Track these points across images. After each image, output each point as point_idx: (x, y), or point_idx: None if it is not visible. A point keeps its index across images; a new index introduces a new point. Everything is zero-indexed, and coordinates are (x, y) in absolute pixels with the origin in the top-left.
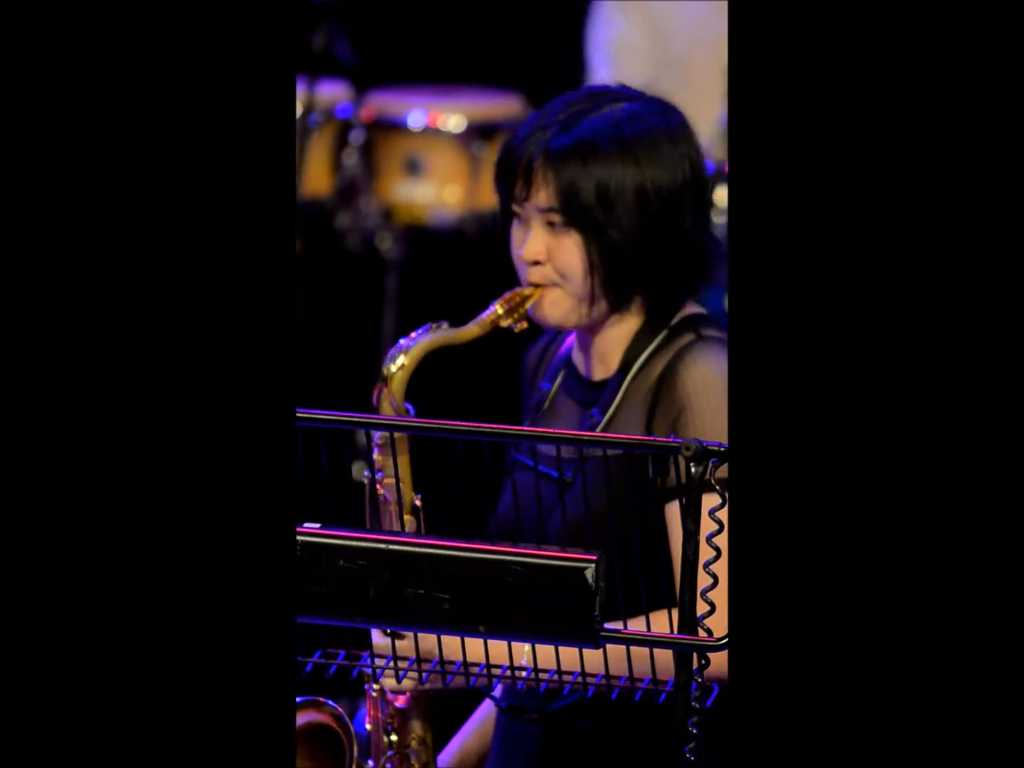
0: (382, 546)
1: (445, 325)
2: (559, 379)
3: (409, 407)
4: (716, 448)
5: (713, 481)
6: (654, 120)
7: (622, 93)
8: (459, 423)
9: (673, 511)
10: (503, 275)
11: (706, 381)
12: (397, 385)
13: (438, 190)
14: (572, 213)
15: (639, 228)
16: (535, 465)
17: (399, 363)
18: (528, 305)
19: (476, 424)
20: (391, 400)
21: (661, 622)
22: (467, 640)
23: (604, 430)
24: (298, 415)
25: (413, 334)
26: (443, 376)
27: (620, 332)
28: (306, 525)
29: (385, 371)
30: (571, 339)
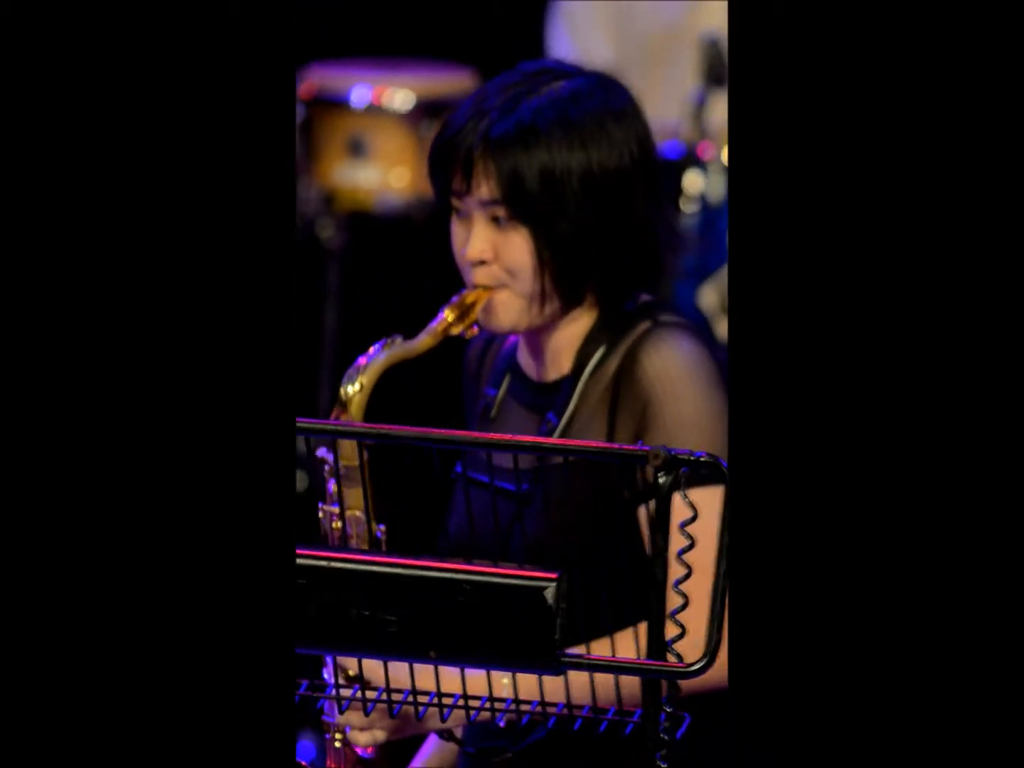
0: (322, 563)
1: (399, 340)
2: (505, 383)
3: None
4: (686, 456)
5: (683, 493)
6: (598, 99)
7: (562, 71)
8: (405, 428)
9: (643, 519)
10: (454, 266)
11: (668, 369)
12: (356, 408)
13: (383, 173)
14: (517, 205)
15: (588, 216)
16: (490, 479)
17: (357, 385)
18: (478, 310)
19: (426, 429)
20: (349, 421)
21: (627, 644)
22: (419, 669)
23: (563, 435)
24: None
25: (371, 350)
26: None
27: (572, 330)
28: None
29: (343, 395)
30: (514, 339)
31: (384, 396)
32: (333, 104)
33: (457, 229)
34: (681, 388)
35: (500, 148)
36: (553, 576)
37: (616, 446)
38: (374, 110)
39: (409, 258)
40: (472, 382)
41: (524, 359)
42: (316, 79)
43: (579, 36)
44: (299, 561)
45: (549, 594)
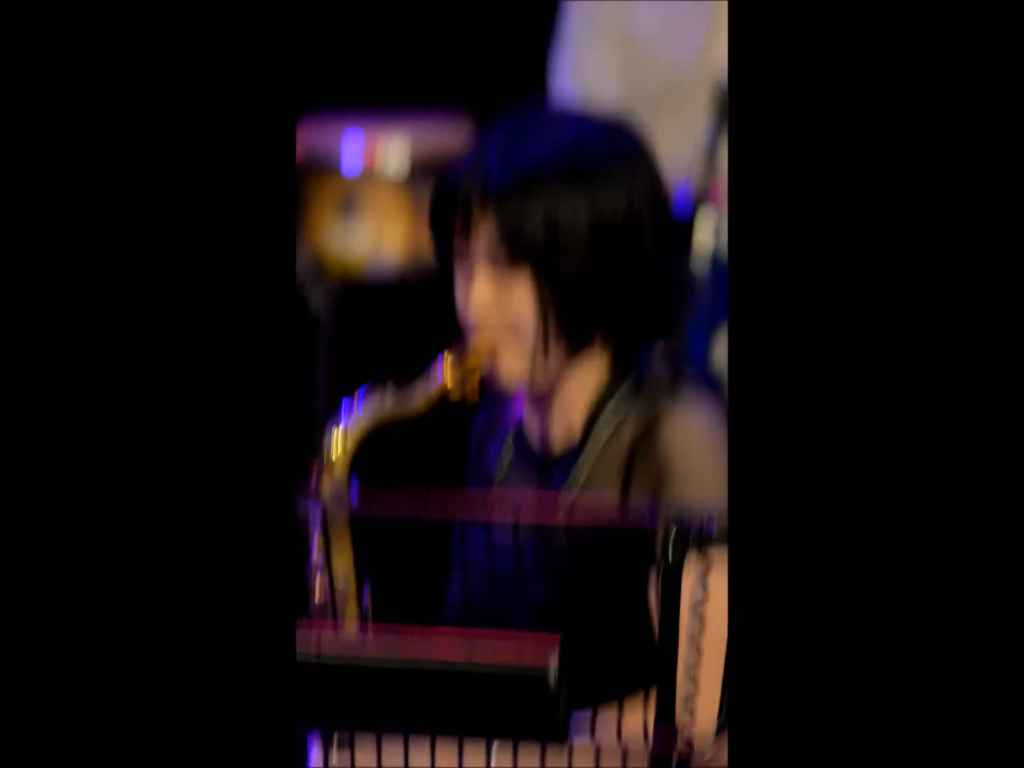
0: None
1: (390, 390)
2: (509, 453)
3: (353, 495)
4: (700, 521)
5: (696, 554)
6: (605, 143)
7: (569, 113)
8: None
9: (653, 582)
10: (452, 335)
11: (688, 440)
12: (339, 468)
13: (376, 236)
14: (519, 254)
15: (595, 266)
16: (488, 555)
17: (340, 446)
18: (480, 372)
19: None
20: (332, 482)
21: (636, 709)
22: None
23: (572, 507)
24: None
25: (355, 406)
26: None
27: (580, 389)
28: None
29: (324, 455)
30: (518, 404)
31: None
32: (323, 163)
33: (459, 283)
34: (700, 460)
35: (500, 194)
36: (555, 640)
37: (627, 512)
38: (367, 170)
39: (403, 327)
40: (475, 456)
41: (529, 425)
42: (305, 136)
43: (585, 77)
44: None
45: (552, 659)
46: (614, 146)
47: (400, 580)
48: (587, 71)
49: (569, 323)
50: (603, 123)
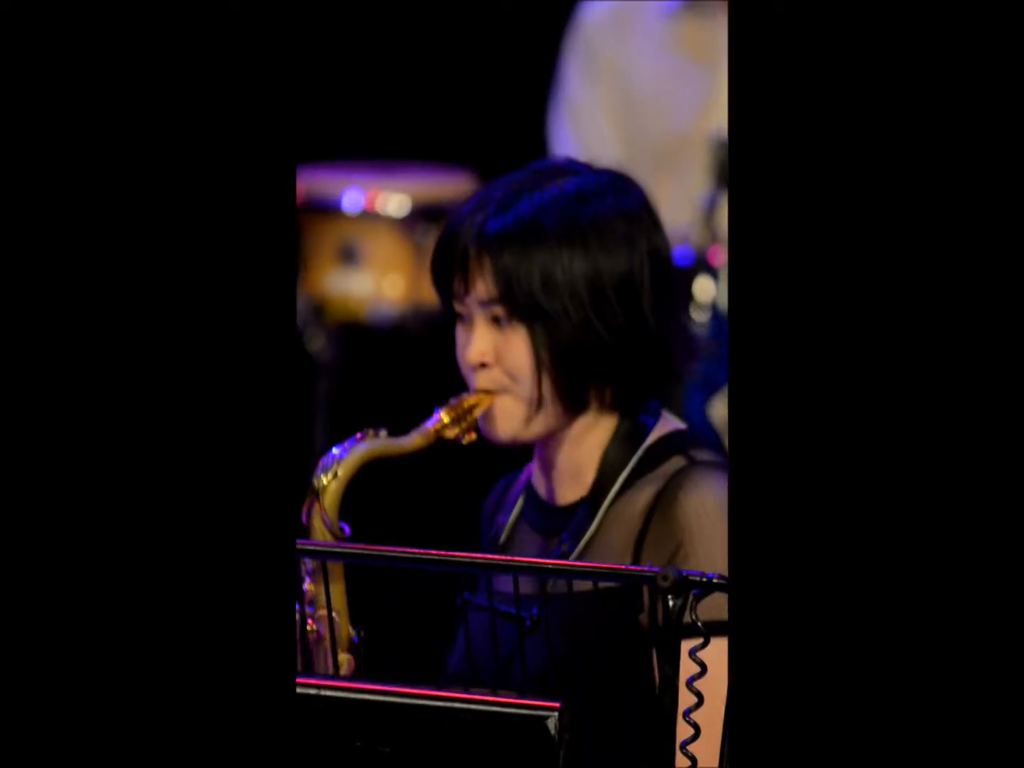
0: (312, 691)
1: (383, 433)
2: (518, 507)
3: (345, 527)
4: (697, 578)
5: (695, 617)
6: (607, 198)
7: (571, 168)
8: (401, 549)
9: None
10: (453, 380)
11: (707, 511)
12: (330, 500)
13: (377, 281)
14: (514, 304)
15: (592, 321)
16: (490, 604)
17: (332, 475)
18: (477, 414)
19: (422, 551)
20: (323, 517)
21: None
22: None
23: (579, 559)
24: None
25: (346, 443)
26: (381, 492)
27: (588, 445)
28: None
29: (316, 484)
30: (530, 467)
31: (374, 500)
32: (324, 209)
33: (460, 333)
34: (717, 530)
35: (496, 244)
36: (555, 705)
37: (624, 567)
38: (367, 215)
39: (403, 372)
40: (488, 520)
41: (538, 480)
42: (306, 183)
43: (584, 134)
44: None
45: (552, 724)
46: (615, 201)
47: (400, 635)
48: (586, 131)
49: (564, 379)
50: (607, 178)
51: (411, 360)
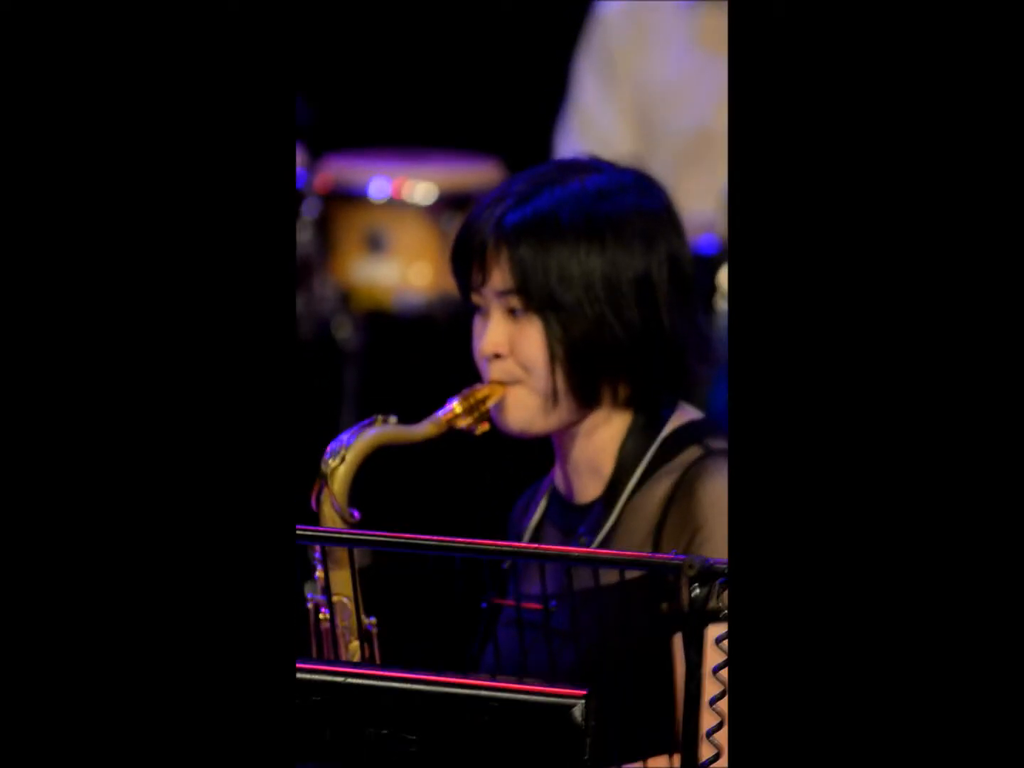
0: (339, 679)
1: (393, 420)
2: (542, 507)
3: (354, 512)
4: (723, 567)
5: (720, 604)
6: (628, 196)
7: (594, 165)
8: (428, 536)
9: (679, 642)
10: (478, 368)
11: (724, 499)
12: (339, 485)
13: (404, 269)
14: (530, 295)
15: (607, 316)
16: (517, 603)
17: (340, 460)
18: (490, 405)
19: (447, 539)
20: (332, 502)
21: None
22: None
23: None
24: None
25: (355, 428)
26: (389, 483)
27: (604, 439)
28: None
29: (324, 468)
30: (554, 471)
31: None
32: (351, 197)
33: (477, 324)
34: None
35: (514, 235)
36: (581, 693)
37: (648, 555)
38: (394, 203)
39: (430, 360)
40: (515, 529)
41: (560, 480)
42: (333, 171)
43: (594, 135)
44: (315, 677)
45: (578, 712)
46: (636, 200)
47: (424, 625)
48: (596, 131)
49: (577, 372)
50: (631, 177)
51: (438, 348)
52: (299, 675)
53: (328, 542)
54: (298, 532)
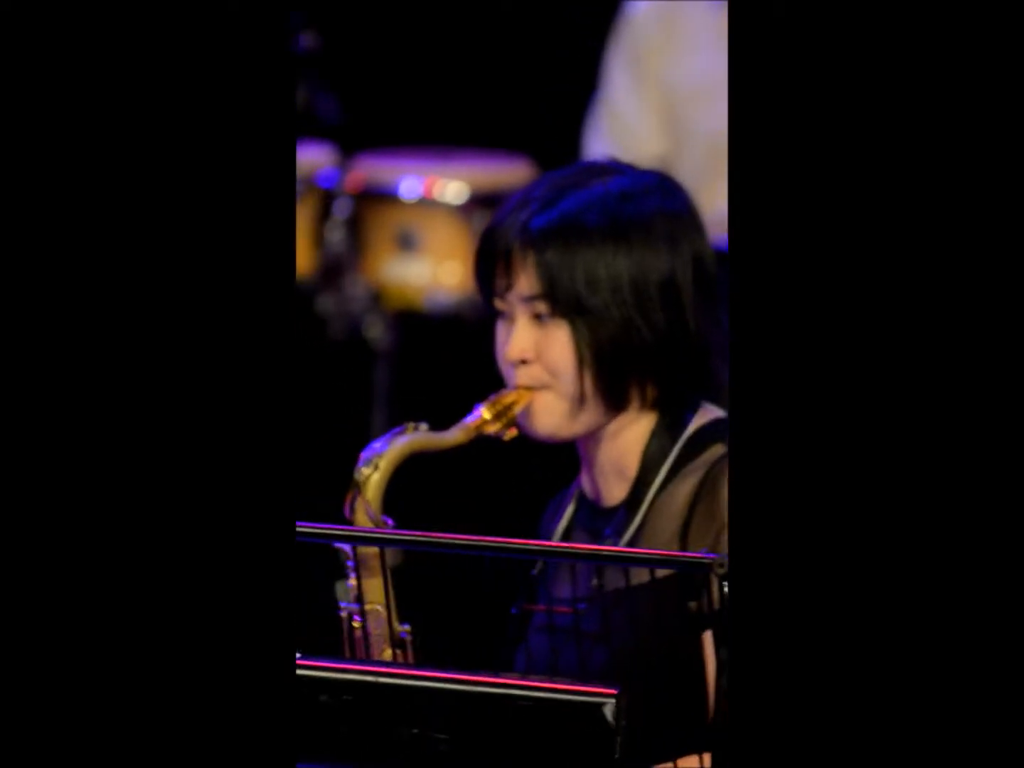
0: (370, 679)
1: (424, 427)
2: (570, 511)
3: (388, 520)
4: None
5: None
6: (652, 199)
7: (616, 168)
8: (456, 536)
9: (709, 641)
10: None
11: None
12: (372, 492)
13: (435, 269)
14: (557, 300)
15: (635, 319)
16: (549, 605)
17: (373, 468)
18: (517, 411)
19: (477, 537)
20: (367, 509)
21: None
22: None
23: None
24: (305, 529)
25: (387, 436)
26: (420, 488)
27: (629, 441)
28: None
29: (357, 477)
30: (581, 475)
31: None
32: (382, 196)
33: (501, 329)
34: None
35: (540, 240)
36: (612, 692)
37: (679, 554)
38: (425, 203)
39: (461, 359)
40: (545, 534)
41: (586, 483)
42: (364, 170)
43: (624, 135)
44: (346, 676)
45: (608, 711)
46: (660, 202)
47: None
48: (627, 131)
49: (605, 376)
50: (654, 180)
51: (468, 347)
52: (332, 675)
53: (358, 541)
54: (329, 532)
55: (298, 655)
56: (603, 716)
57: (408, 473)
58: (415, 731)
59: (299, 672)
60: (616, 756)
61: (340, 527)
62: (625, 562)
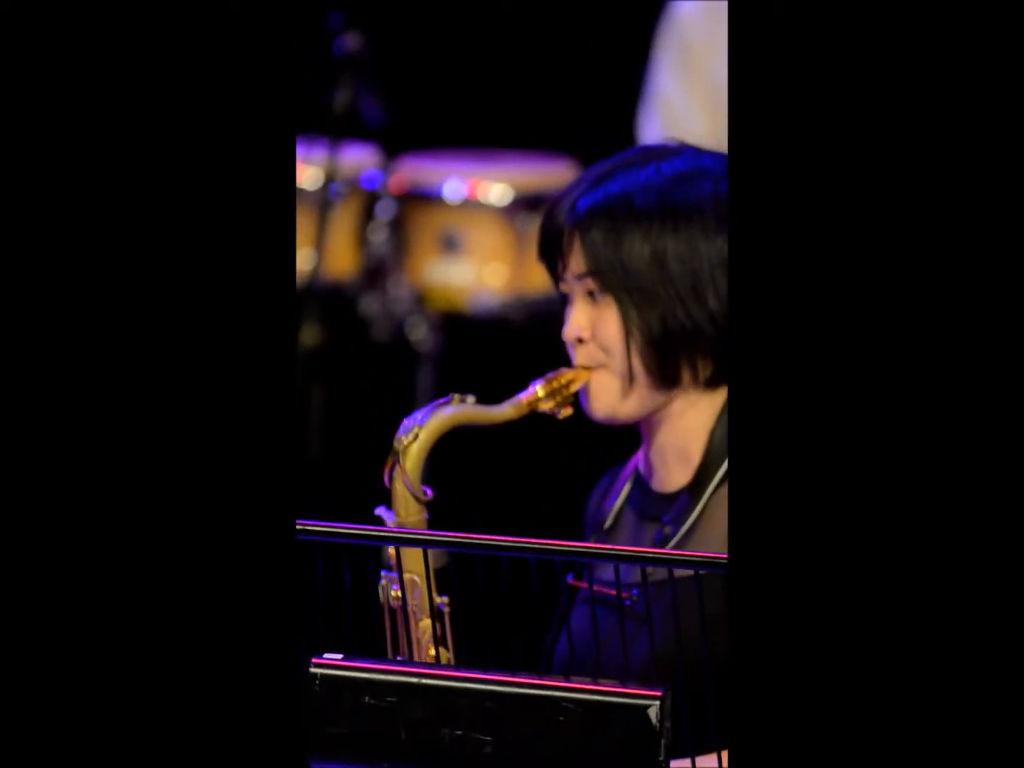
0: (414, 680)
1: (471, 399)
2: (625, 491)
3: (427, 490)
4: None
5: None
6: (707, 182)
7: (675, 149)
8: (500, 537)
9: None
10: (554, 369)
11: None
12: (411, 462)
13: (478, 270)
14: (604, 277)
15: (683, 299)
16: (591, 590)
17: (412, 437)
18: (574, 389)
19: (521, 540)
20: (404, 479)
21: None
22: None
23: (679, 546)
24: (305, 528)
25: (430, 406)
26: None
27: (693, 425)
28: (325, 656)
29: (397, 445)
30: (637, 456)
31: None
32: (426, 198)
33: (567, 312)
34: None
35: (586, 219)
36: (657, 694)
37: (723, 556)
38: (469, 204)
39: (505, 361)
40: (593, 513)
41: (645, 466)
42: (408, 172)
43: (675, 128)
44: (389, 677)
45: (653, 713)
46: (714, 187)
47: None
48: (677, 124)
49: (653, 353)
50: (709, 161)
51: (512, 349)
52: (374, 676)
53: (402, 543)
54: (371, 533)
55: (341, 656)
56: (647, 718)
57: (453, 444)
58: (458, 732)
59: (343, 673)
60: (660, 758)
61: (344, 525)
62: (670, 564)
